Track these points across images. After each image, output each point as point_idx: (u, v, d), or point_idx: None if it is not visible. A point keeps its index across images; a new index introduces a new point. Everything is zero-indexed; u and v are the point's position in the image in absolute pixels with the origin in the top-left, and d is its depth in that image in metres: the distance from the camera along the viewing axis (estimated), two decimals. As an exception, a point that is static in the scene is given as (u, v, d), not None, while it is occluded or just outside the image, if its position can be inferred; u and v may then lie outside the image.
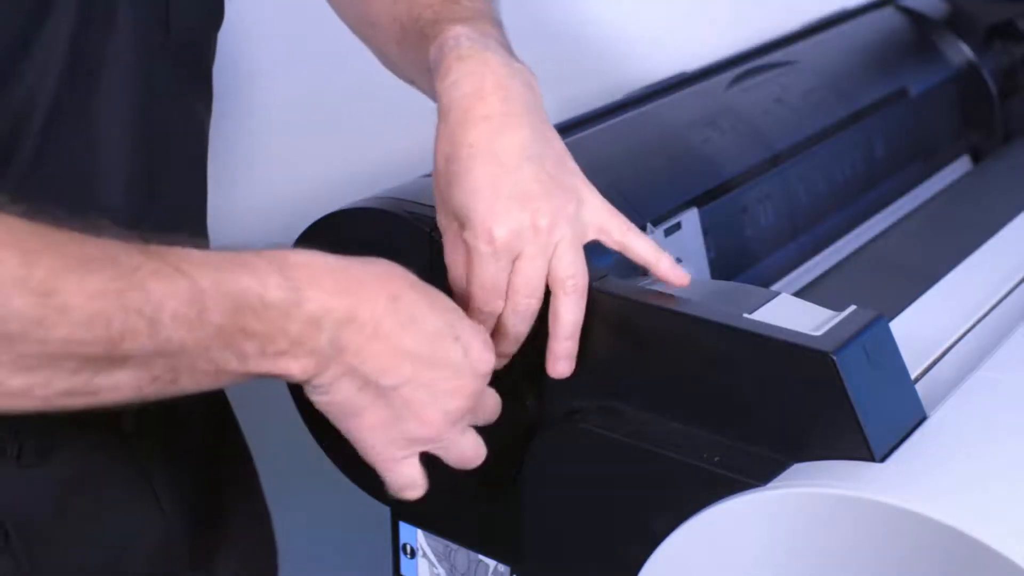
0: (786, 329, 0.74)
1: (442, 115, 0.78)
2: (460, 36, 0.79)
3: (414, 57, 0.84)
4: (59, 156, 0.77)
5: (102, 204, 0.79)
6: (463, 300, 0.79)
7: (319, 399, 0.71)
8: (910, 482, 0.69)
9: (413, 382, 0.71)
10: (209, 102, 0.90)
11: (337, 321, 0.68)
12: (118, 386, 0.64)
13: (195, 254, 0.65)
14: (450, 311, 0.74)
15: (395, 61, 0.91)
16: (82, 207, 0.78)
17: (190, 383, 0.66)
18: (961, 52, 1.39)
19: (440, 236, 0.81)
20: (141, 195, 0.82)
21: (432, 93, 0.81)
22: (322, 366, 0.69)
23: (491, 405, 0.77)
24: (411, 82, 0.89)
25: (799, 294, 0.89)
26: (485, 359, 0.74)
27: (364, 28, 0.94)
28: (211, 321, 0.64)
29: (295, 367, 0.68)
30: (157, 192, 0.83)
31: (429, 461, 0.77)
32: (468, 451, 0.76)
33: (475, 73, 0.77)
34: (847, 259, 1.13)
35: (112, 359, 0.62)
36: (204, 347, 0.64)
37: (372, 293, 0.69)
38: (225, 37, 0.86)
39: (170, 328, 0.63)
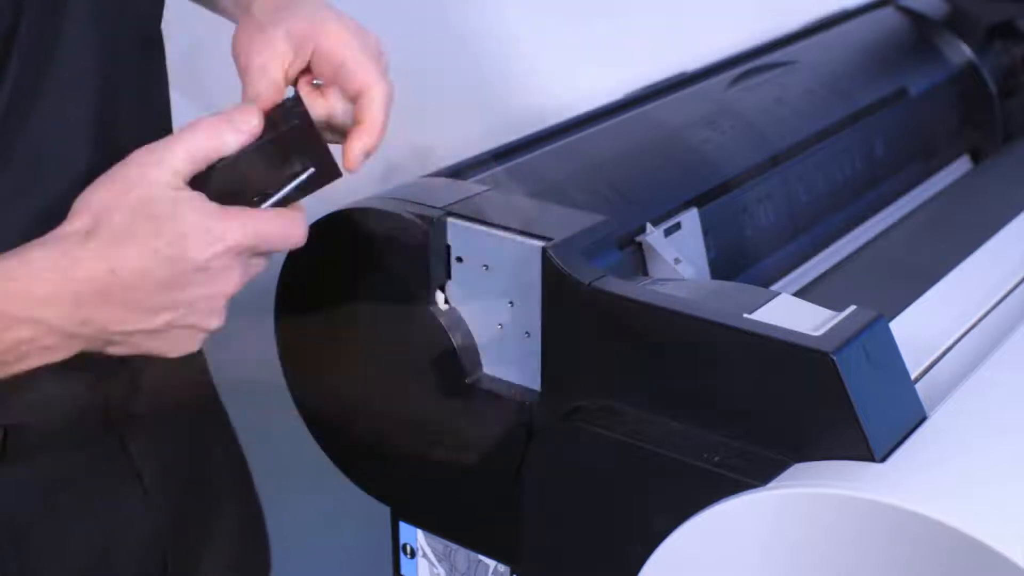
0: (786, 329, 0.74)
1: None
2: None
3: None
4: (21, 140, 0.76)
5: (67, 186, 0.79)
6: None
7: None
8: (910, 482, 0.69)
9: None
10: (165, 78, 0.90)
11: None
12: None
13: None
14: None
15: None
16: (47, 187, 0.78)
17: None
18: (961, 52, 1.39)
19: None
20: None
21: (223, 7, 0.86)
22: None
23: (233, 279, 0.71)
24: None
25: (799, 294, 0.89)
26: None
27: None
28: None
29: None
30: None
31: (428, 461, 0.77)
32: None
33: None
34: (847, 259, 1.13)
35: None
36: None
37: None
38: (222, 37, 0.86)
39: None
